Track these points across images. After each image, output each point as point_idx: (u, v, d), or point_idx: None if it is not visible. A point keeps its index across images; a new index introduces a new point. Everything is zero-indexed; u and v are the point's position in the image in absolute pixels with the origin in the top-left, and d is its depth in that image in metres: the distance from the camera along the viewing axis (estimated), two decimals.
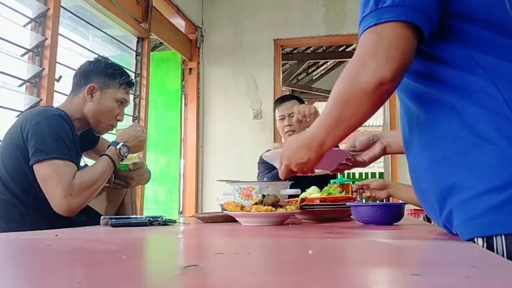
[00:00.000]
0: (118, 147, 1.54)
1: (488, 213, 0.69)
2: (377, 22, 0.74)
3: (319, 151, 0.94)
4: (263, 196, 1.27)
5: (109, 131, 1.70)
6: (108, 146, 1.57)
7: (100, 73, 1.61)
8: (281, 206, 1.24)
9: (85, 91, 1.58)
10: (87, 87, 1.58)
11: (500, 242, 0.69)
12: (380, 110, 7.94)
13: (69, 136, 1.45)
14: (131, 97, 3.09)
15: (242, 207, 1.24)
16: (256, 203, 1.23)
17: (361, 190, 1.51)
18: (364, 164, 1.19)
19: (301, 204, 1.36)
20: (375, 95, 0.77)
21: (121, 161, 1.57)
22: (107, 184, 1.61)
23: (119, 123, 1.68)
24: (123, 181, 1.65)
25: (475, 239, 0.72)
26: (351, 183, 1.73)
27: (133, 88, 3.10)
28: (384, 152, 1.18)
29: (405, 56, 0.74)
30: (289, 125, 2.37)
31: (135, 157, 1.67)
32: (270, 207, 1.20)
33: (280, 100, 2.50)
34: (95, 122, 1.61)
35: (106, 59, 1.71)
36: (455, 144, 0.75)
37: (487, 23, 0.76)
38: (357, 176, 8.53)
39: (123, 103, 1.66)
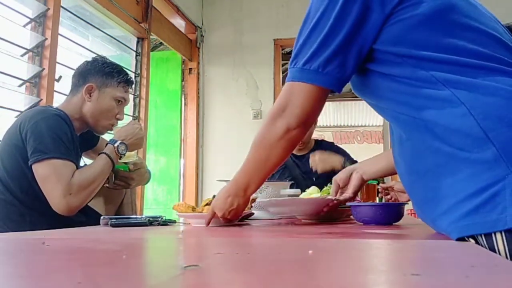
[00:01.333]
0: (116, 145, 1.53)
1: (466, 216, 0.73)
2: (292, 80, 0.88)
3: (245, 196, 1.08)
4: (214, 196, 1.27)
5: (102, 134, 1.70)
6: (106, 144, 1.57)
7: (98, 72, 1.61)
8: None
9: (83, 91, 1.58)
10: (85, 87, 1.58)
11: (481, 241, 0.72)
12: None
13: (67, 135, 1.45)
14: (131, 96, 3.09)
15: (194, 208, 1.24)
16: (207, 204, 1.23)
17: (386, 191, 1.50)
18: (351, 199, 1.27)
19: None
20: (284, 140, 0.93)
21: (120, 159, 1.57)
22: (107, 185, 1.61)
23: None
24: (123, 182, 1.64)
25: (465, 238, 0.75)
26: (377, 184, 1.71)
27: (133, 88, 3.11)
28: (362, 180, 1.28)
29: (310, 110, 0.89)
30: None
31: (134, 155, 1.66)
32: None
33: None
34: (94, 122, 1.61)
35: (104, 58, 1.71)
36: (433, 157, 0.78)
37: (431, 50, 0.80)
38: None
39: (122, 102, 1.65)
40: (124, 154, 1.56)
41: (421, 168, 0.82)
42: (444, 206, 0.77)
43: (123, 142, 1.56)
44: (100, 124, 1.62)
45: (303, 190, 1.54)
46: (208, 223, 1.17)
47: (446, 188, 0.76)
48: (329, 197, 1.28)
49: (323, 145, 2.62)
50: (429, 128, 0.78)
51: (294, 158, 2.55)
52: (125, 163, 1.64)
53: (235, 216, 1.14)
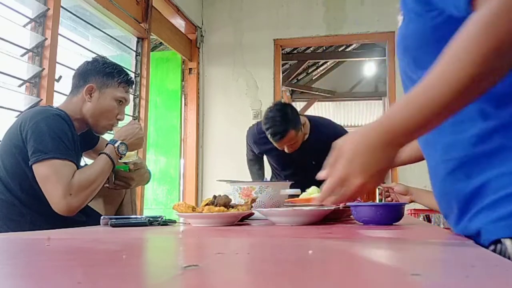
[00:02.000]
0: (116, 145, 1.53)
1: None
2: None
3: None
4: (214, 196, 1.26)
5: (109, 131, 1.70)
6: (106, 144, 1.57)
7: (98, 73, 1.61)
8: (232, 207, 1.24)
9: (83, 92, 1.58)
10: (86, 87, 1.58)
11: None
12: (380, 109, 7.87)
13: (68, 135, 1.45)
14: (131, 96, 3.10)
15: (194, 208, 1.22)
16: (207, 204, 1.22)
17: (387, 193, 1.49)
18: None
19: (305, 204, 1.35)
20: None
21: (120, 159, 1.56)
22: (107, 185, 1.60)
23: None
24: (123, 182, 1.64)
25: (502, 240, 0.69)
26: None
27: (133, 88, 3.11)
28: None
29: None
30: (290, 148, 2.27)
31: (134, 154, 1.66)
32: (222, 208, 1.20)
33: (274, 139, 2.23)
34: (94, 122, 1.60)
35: (104, 58, 1.70)
36: (481, 145, 0.72)
37: None
38: None
39: (122, 102, 1.65)
40: (124, 154, 1.56)
41: (464, 156, 0.73)
42: (489, 198, 0.70)
43: (123, 142, 1.55)
44: (101, 124, 1.62)
45: (303, 190, 1.53)
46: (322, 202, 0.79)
47: (493, 179, 0.70)
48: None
49: (321, 124, 2.44)
50: (486, 116, 0.71)
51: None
52: (125, 163, 1.64)
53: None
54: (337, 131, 2.35)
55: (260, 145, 2.53)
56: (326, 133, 2.30)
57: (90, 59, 1.70)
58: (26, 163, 1.40)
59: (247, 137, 2.61)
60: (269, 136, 2.24)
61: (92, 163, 1.53)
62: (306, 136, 2.37)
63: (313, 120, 2.45)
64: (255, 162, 2.74)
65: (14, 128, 1.47)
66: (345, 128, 2.57)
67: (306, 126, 2.38)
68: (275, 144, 2.28)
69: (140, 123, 3.07)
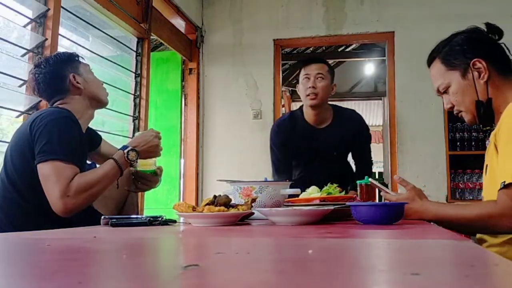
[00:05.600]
0: (125, 151, 1.53)
1: None
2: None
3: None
4: (215, 196, 1.26)
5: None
6: (119, 149, 1.57)
7: (63, 65, 1.63)
8: (232, 207, 1.24)
9: (70, 86, 1.60)
10: (68, 81, 1.60)
11: None
12: (380, 110, 7.82)
13: (76, 138, 1.47)
14: (131, 97, 3.10)
15: (194, 208, 1.22)
16: (207, 204, 1.22)
17: (404, 182, 1.45)
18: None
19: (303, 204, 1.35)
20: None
21: (131, 165, 1.56)
22: (126, 188, 1.65)
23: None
24: (146, 185, 1.66)
25: None
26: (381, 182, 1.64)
27: (134, 88, 3.11)
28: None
29: None
30: (313, 87, 2.22)
31: (153, 163, 1.67)
32: (222, 207, 1.19)
33: (308, 61, 2.33)
34: (99, 97, 1.67)
35: (45, 60, 1.65)
36: None
37: None
38: None
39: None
40: (134, 161, 1.55)
41: None
42: None
43: (134, 148, 1.55)
44: (102, 95, 1.69)
45: (303, 190, 1.53)
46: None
47: None
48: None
49: (344, 115, 2.37)
50: None
51: (315, 132, 2.31)
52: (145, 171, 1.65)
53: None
54: (361, 128, 2.38)
55: (288, 135, 2.38)
56: (349, 127, 2.33)
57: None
58: (34, 161, 1.42)
59: (272, 140, 2.43)
60: (303, 63, 2.33)
61: (98, 167, 1.54)
62: (332, 116, 2.35)
63: (336, 109, 2.40)
64: (284, 170, 2.45)
65: (24, 127, 1.49)
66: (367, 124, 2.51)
67: (330, 111, 2.37)
68: (303, 71, 2.29)
69: (140, 123, 3.08)
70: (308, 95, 2.23)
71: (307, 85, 2.25)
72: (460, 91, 1.34)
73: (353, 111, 2.50)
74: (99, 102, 1.69)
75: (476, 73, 1.32)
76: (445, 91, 1.39)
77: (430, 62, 1.44)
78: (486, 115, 1.33)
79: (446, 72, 1.37)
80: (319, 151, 2.35)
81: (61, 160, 1.40)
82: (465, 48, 1.35)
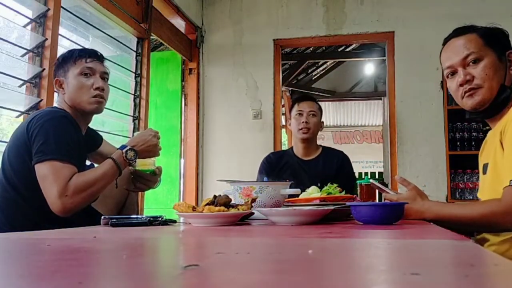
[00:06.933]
0: (124, 150, 1.53)
1: None
2: None
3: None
4: (215, 196, 1.26)
5: (98, 110, 1.64)
6: (117, 149, 1.57)
7: (58, 66, 1.64)
8: (232, 207, 1.24)
9: (56, 89, 1.61)
10: (55, 84, 1.62)
11: None
12: (380, 110, 7.84)
13: (73, 137, 1.47)
14: (131, 96, 3.10)
15: (194, 208, 1.22)
16: (207, 204, 1.22)
17: (405, 182, 1.45)
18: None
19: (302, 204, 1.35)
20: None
21: (129, 165, 1.56)
22: (125, 187, 1.63)
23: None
24: (145, 185, 1.66)
25: None
26: (380, 181, 1.65)
27: (134, 88, 3.11)
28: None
29: None
30: (306, 122, 2.44)
31: (152, 163, 1.66)
32: (222, 208, 1.19)
33: (301, 98, 2.58)
34: (78, 104, 1.59)
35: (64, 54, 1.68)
36: None
37: None
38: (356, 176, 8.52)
39: (88, 73, 1.61)
40: (132, 160, 1.54)
41: None
42: None
43: (133, 148, 1.55)
44: (84, 101, 1.58)
45: (303, 190, 1.53)
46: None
47: None
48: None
49: (330, 152, 2.59)
50: None
51: (301, 163, 2.52)
52: (145, 170, 1.65)
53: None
54: (344, 163, 2.56)
55: (275, 165, 2.57)
56: (333, 161, 2.53)
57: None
58: (32, 162, 1.41)
59: (260, 168, 2.60)
60: (296, 100, 2.57)
61: (97, 166, 1.54)
62: (319, 151, 2.57)
63: (324, 148, 2.63)
64: None
65: (22, 127, 1.49)
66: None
67: (319, 148, 2.60)
68: (296, 107, 2.51)
69: (140, 123, 3.08)
70: (301, 129, 2.47)
71: (300, 120, 2.48)
72: (493, 68, 1.34)
73: (341, 151, 2.68)
74: (82, 110, 1.60)
75: (508, 64, 1.36)
76: (469, 64, 1.36)
77: (462, 32, 1.41)
78: (502, 102, 1.33)
79: (483, 47, 1.36)
80: (304, 180, 2.45)
81: (58, 159, 1.39)
82: (503, 37, 1.39)
